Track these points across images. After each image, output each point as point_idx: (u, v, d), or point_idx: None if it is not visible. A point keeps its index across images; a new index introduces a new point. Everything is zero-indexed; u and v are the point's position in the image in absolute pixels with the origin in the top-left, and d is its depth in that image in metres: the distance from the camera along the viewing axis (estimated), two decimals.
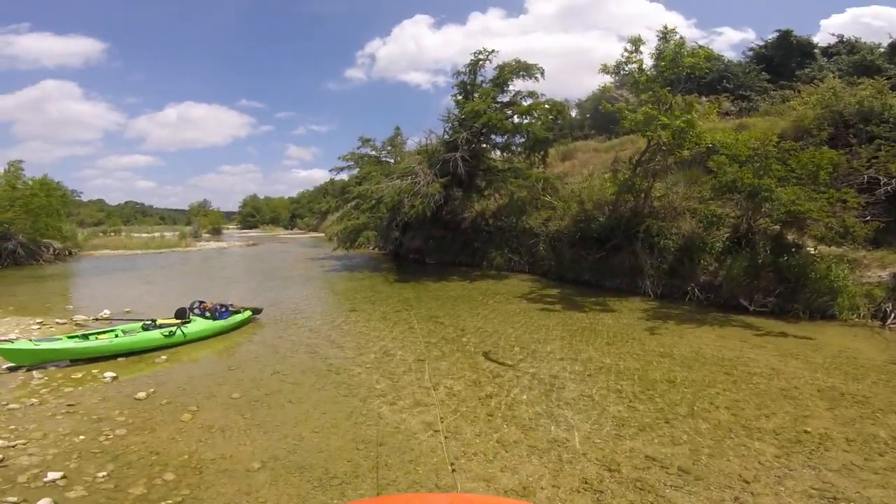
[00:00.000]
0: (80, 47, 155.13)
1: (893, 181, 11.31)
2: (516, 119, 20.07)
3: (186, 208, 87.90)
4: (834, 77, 18.03)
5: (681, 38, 14.63)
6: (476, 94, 20.41)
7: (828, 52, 26.65)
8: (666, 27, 14.74)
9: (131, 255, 28.16)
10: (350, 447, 4.79)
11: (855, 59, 23.76)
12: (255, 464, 4.42)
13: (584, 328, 10.14)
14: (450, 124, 21.30)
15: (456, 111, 20.94)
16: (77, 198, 34.98)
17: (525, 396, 6.21)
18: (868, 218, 11.24)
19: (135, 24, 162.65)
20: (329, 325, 10.45)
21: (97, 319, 10.18)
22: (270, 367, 7.47)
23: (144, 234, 40.61)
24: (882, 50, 24.63)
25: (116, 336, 8.04)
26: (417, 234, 23.11)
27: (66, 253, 25.77)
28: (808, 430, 5.20)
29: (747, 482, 4.15)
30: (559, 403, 5.99)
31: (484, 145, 21.24)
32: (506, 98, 20.49)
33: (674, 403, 5.99)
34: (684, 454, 4.68)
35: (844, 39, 27.04)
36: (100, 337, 7.93)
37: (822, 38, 28.29)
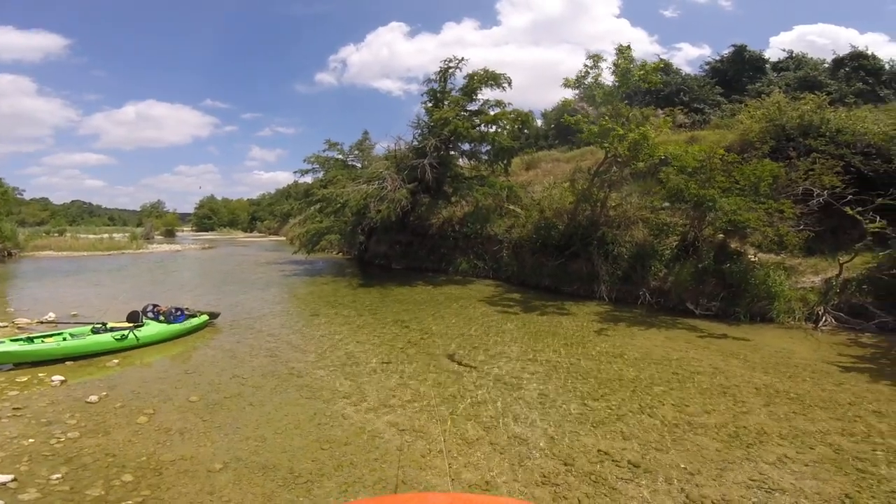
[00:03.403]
0: (40, 42, 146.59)
1: (826, 192, 12.20)
2: (483, 128, 20.43)
3: (138, 209, 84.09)
4: (780, 92, 19.13)
5: (627, 54, 15.40)
6: (446, 102, 20.64)
7: (778, 67, 28.52)
8: (620, 45, 15.51)
9: (78, 256, 26.68)
10: (314, 447, 4.82)
11: (800, 75, 25.57)
12: (216, 464, 4.39)
13: (543, 331, 10.47)
14: (419, 131, 21.46)
15: (425, 118, 21.11)
16: (19, 195, 32.95)
17: (487, 396, 6.40)
18: (802, 228, 12.13)
19: (102, 21, 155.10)
20: (290, 330, 10.33)
21: (41, 322, 9.68)
22: (229, 371, 7.34)
23: (92, 235, 38.52)
24: (826, 66, 26.59)
25: (64, 339, 7.70)
26: (384, 239, 23.06)
27: (6, 254, 24.29)
28: (747, 425, 5.60)
29: (692, 474, 4.45)
30: (519, 402, 6.21)
31: (452, 152, 21.45)
32: (475, 107, 20.84)
33: (624, 401, 6.33)
34: (634, 449, 4.96)
35: (793, 55, 29.03)
36: (46, 340, 7.58)
37: (773, 54, 30.37)
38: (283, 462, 4.49)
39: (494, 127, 20.21)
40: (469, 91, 20.39)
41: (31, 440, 4.73)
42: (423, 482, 4.20)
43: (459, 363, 7.89)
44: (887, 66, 24.98)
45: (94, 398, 5.87)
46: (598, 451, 4.89)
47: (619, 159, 15.67)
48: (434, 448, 4.85)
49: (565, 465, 4.60)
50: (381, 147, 25.42)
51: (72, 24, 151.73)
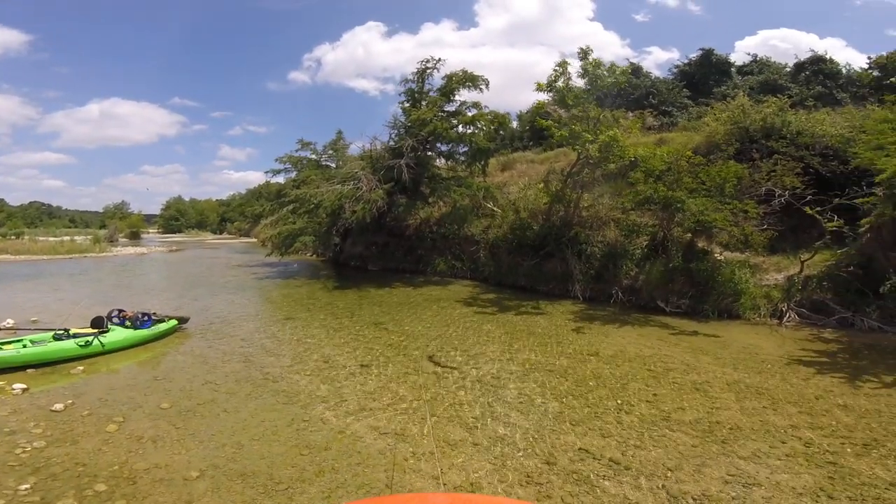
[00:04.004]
0: None
1: (787, 193, 12.73)
2: (461, 128, 20.48)
3: (101, 210, 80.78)
4: (744, 95, 19.77)
5: (594, 59, 15.78)
6: (424, 102, 20.60)
7: (742, 70, 29.53)
8: (581, 48, 15.90)
9: (36, 260, 25.49)
10: (293, 453, 4.72)
11: (763, 79, 26.55)
12: (193, 472, 4.25)
13: (520, 330, 10.56)
14: (396, 131, 21.36)
15: (402, 118, 21.01)
16: None
17: (468, 397, 6.40)
18: (765, 227, 12.61)
19: (65, 16, 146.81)
20: (263, 334, 10.10)
21: None
22: (201, 377, 7.13)
23: (52, 238, 36.86)
24: (787, 70, 27.67)
25: (25, 346, 7.36)
26: (359, 240, 22.81)
27: None
28: (720, 420, 5.76)
29: (671, 470, 4.54)
30: (500, 402, 6.23)
31: (429, 153, 21.42)
32: (452, 107, 20.87)
33: (602, 399, 6.44)
34: (613, 446, 5.05)
35: (757, 59, 30.10)
36: (5, 347, 7.22)
37: (738, 58, 31.50)
38: (262, 469, 4.38)
39: (472, 128, 20.28)
40: (447, 92, 20.43)
41: None
42: (408, 485, 4.17)
43: (439, 364, 7.88)
44: (844, 71, 26.19)
45: (59, 406, 5.62)
46: (579, 449, 4.95)
47: (590, 161, 15.97)
48: (418, 451, 4.81)
49: (547, 463, 4.64)
50: (355, 147, 25.19)
51: (33, 20, 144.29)
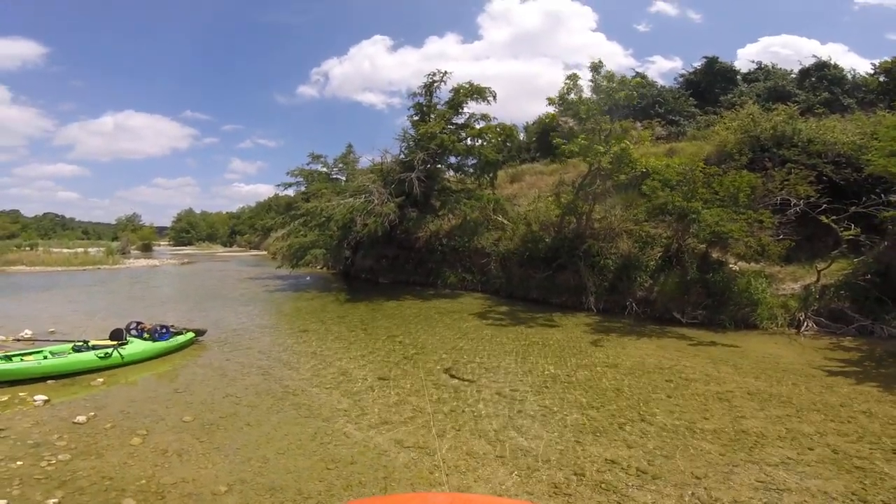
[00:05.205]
0: (17, 50, 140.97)
1: (801, 202, 12.64)
2: (469, 141, 20.59)
3: (113, 222, 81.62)
4: (753, 103, 19.67)
5: (608, 72, 15.86)
6: (432, 116, 20.76)
7: (748, 77, 29.38)
8: (593, 61, 15.93)
9: (51, 271, 25.85)
10: (320, 467, 4.71)
11: (769, 85, 26.35)
12: (221, 487, 4.24)
13: (535, 343, 10.51)
14: (405, 144, 21.46)
15: (412, 132, 21.17)
16: None
17: (488, 410, 6.37)
18: (781, 237, 12.51)
19: (84, 31, 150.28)
20: (280, 347, 10.13)
21: (18, 340, 9.28)
22: (221, 389, 7.15)
23: (66, 250, 37.31)
24: (793, 77, 27.56)
25: (45, 357, 7.43)
26: (370, 253, 22.88)
27: None
28: (745, 429, 5.70)
29: (699, 478, 4.51)
30: (521, 415, 6.20)
31: (439, 166, 21.52)
32: (461, 120, 21.01)
33: (624, 410, 6.38)
34: (640, 456, 5.00)
35: (762, 66, 30.00)
36: (25, 358, 7.29)
37: (742, 65, 31.36)
38: (289, 483, 4.37)
39: (480, 140, 20.39)
40: (455, 105, 20.58)
41: (19, 462, 4.53)
42: None
43: (457, 377, 7.84)
44: (849, 76, 26.04)
45: (81, 418, 5.65)
46: (605, 459, 4.91)
47: (602, 172, 15.98)
48: (442, 464, 4.79)
49: (574, 474, 4.60)
50: (365, 160, 25.39)
51: (49, 33, 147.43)
